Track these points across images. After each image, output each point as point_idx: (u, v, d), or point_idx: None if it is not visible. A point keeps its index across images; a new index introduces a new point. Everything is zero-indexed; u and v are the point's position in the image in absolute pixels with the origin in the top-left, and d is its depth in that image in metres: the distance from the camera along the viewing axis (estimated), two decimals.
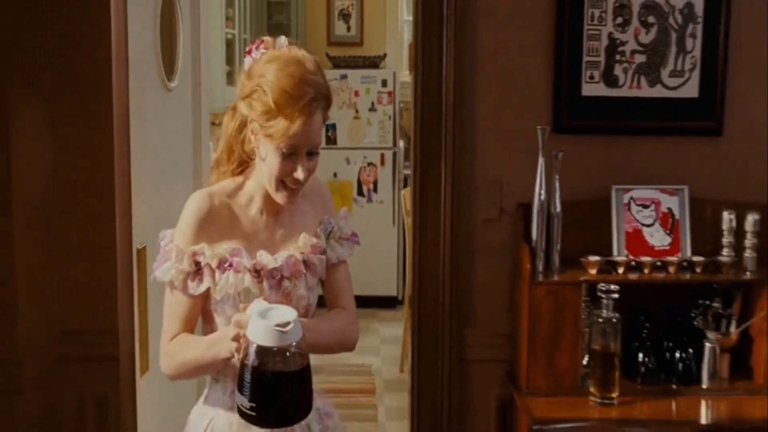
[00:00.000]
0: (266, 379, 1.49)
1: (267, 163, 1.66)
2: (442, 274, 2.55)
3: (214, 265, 1.67)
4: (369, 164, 6.02)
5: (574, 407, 2.27)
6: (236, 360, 1.56)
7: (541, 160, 2.38)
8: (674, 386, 2.41)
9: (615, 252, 2.45)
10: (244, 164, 1.76)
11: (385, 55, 6.33)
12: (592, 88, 2.53)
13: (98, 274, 2.14)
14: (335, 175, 6.05)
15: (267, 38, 1.72)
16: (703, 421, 2.31)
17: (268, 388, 1.49)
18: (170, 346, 1.72)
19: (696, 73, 2.54)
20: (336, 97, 6.10)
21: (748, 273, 2.41)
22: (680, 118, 2.55)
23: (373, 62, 6.29)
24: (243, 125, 1.71)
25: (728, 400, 2.37)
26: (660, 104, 2.54)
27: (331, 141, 6.08)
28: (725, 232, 2.44)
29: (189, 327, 1.73)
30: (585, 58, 2.52)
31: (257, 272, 1.69)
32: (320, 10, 6.72)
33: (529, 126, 2.46)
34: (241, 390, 1.50)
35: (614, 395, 2.29)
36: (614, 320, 2.28)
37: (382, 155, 5.99)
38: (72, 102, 2.00)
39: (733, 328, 2.43)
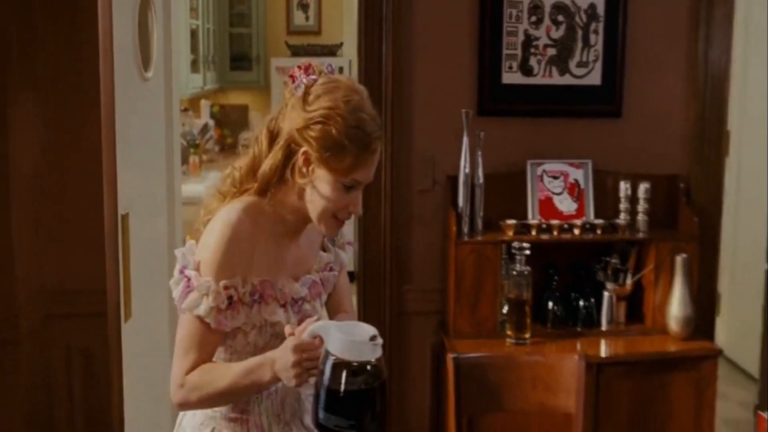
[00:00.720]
0: (361, 395, 1.44)
1: (321, 195, 1.58)
2: (383, 238, 2.95)
3: (245, 299, 1.59)
4: None
5: (492, 347, 2.69)
6: (296, 385, 1.52)
7: (465, 139, 2.80)
8: (578, 329, 2.85)
9: (529, 216, 2.87)
10: (254, 184, 1.65)
11: (341, 43, 6.68)
12: (511, 77, 2.95)
13: (87, 238, 2.42)
14: None
15: (314, 64, 1.63)
16: (603, 355, 2.74)
17: (364, 404, 1.45)
18: (191, 377, 1.59)
19: (599, 64, 2.97)
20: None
21: (640, 233, 2.85)
22: (585, 102, 2.98)
23: (331, 50, 6.65)
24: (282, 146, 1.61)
25: (623, 339, 2.82)
26: (568, 90, 2.97)
27: None
28: (622, 199, 2.88)
29: (210, 357, 1.61)
30: (504, 51, 2.93)
31: (284, 303, 1.65)
32: (280, 1, 7.05)
33: (457, 109, 2.86)
34: (331, 411, 1.43)
35: (527, 336, 2.72)
36: (526, 273, 2.71)
37: None
38: (64, 89, 2.31)
39: (628, 280, 2.87)
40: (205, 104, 6.48)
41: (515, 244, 2.71)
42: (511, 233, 2.78)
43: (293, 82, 1.59)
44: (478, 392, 2.29)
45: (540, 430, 2.32)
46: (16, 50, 2.32)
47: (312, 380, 1.48)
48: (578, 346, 2.76)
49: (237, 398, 1.64)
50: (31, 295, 2.46)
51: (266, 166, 1.60)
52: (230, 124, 6.93)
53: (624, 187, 2.88)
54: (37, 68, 2.31)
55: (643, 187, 2.86)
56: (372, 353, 1.43)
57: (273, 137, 1.62)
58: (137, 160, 2.65)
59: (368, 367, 1.43)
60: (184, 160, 5.16)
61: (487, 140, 2.85)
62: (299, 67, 1.60)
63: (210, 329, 1.57)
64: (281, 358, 1.51)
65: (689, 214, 2.87)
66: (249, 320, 1.60)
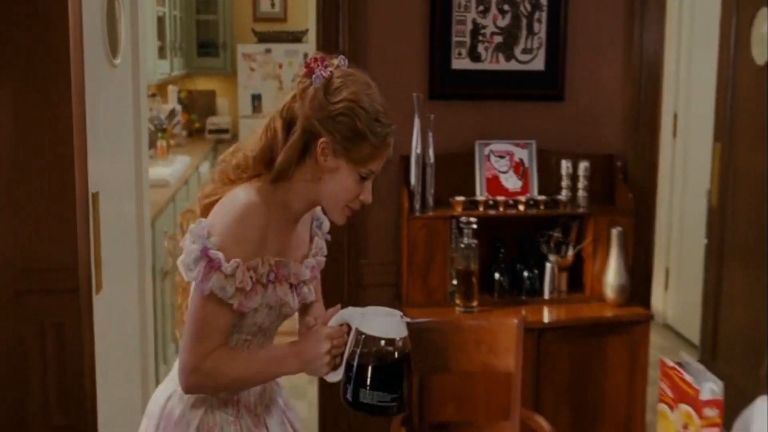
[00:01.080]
0: (398, 368, 1.56)
1: (339, 184, 1.63)
2: None
3: (263, 280, 1.63)
4: None
5: (442, 315, 2.88)
6: (326, 373, 1.61)
7: (416, 121, 2.98)
8: (523, 298, 3.06)
9: (477, 194, 3.07)
10: (264, 170, 1.66)
11: (306, 30, 6.81)
12: (460, 63, 3.13)
13: (59, 216, 2.53)
14: None
15: (327, 56, 1.67)
16: (546, 320, 2.96)
17: (403, 376, 1.57)
18: (208, 363, 1.60)
19: (542, 51, 3.17)
20: (261, 70, 6.64)
21: (580, 208, 3.07)
22: (530, 87, 3.18)
23: (296, 37, 6.80)
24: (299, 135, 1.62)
25: (564, 307, 3.04)
26: (514, 76, 3.16)
27: (257, 110, 6.59)
28: (563, 177, 3.09)
29: (225, 339, 1.64)
30: (454, 39, 3.12)
31: (291, 284, 1.70)
32: None
33: (410, 93, 3.03)
34: (377, 388, 1.53)
35: (474, 305, 2.92)
36: (473, 246, 2.91)
37: None
38: (37, 74, 2.43)
39: (569, 252, 3.09)
40: (172, 90, 6.60)
41: (463, 219, 2.91)
42: (459, 209, 2.98)
43: (311, 74, 1.61)
44: (427, 354, 2.49)
45: (484, 388, 2.52)
46: None
47: (337, 372, 1.58)
48: (522, 312, 2.96)
49: (254, 386, 1.71)
50: (4, 272, 2.56)
51: (284, 155, 1.61)
52: (198, 110, 7.06)
53: (565, 165, 3.08)
54: (10, 54, 2.44)
55: (582, 166, 3.06)
56: (403, 329, 1.56)
57: (289, 125, 1.63)
58: (106, 143, 2.80)
59: (398, 342, 1.55)
60: (152, 145, 5.28)
61: (437, 122, 3.04)
62: (315, 59, 1.63)
63: (231, 311, 1.59)
64: (312, 348, 1.59)
65: (625, 190, 3.09)
66: (264, 300, 1.64)
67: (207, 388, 1.65)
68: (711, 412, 1.57)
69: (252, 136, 1.70)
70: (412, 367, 1.59)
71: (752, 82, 3.82)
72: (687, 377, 1.63)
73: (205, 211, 1.68)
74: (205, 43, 7.05)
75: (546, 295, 3.07)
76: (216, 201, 1.66)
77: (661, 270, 5.42)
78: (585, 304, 3.03)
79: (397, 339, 1.55)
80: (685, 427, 1.62)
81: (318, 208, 1.80)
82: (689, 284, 4.90)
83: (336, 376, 1.61)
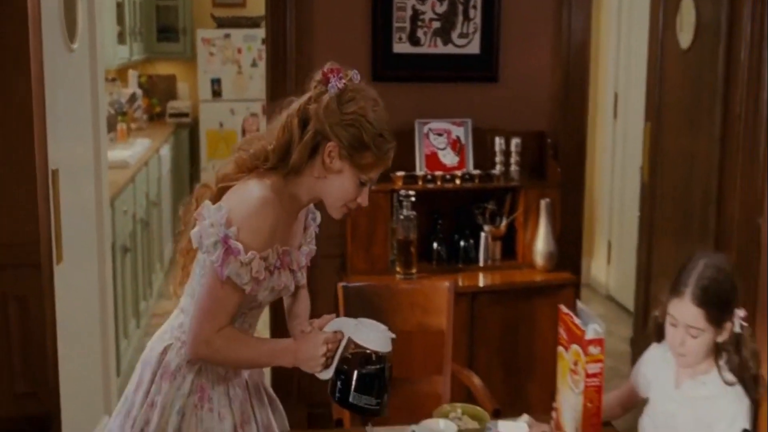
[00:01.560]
0: (383, 378, 1.78)
1: (341, 185, 1.79)
2: None
3: (271, 267, 1.79)
4: (252, 114, 6.73)
5: (383, 282, 3.10)
6: (318, 373, 1.79)
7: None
8: (460, 265, 3.30)
9: (417, 169, 3.30)
10: (279, 163, 1.81)
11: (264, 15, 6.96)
12: (401, 47, 3.35)
13: (20, 193, 2.67)
14: (221, 125, 6.74)
15: (342, 69, 1.85)
16: (480, 284, 3.19)
17: (387, 385, 1.78)
18: (219, 339, 1.77)
19: (477, 36, 3.39)
20: (220, 55, 6.79)
21: (512, 182, 3.30)
22: (466, 69, 3.40)
23: (255, 22, 6.93)
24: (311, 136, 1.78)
25: (497, 273, 3.28)
26: (451, 59, 3.39)
27: (217, 94, 6.75)
28: (497, 153, 3.32)
29: (233, 318, 1.81)
30: (395, 25, 3.33)
31: (292, 270, 1.88)
32: None
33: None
34: (363, 392, 1.74)
35: (413, 272, 3.15)
36: (412, 217, 3.13)
37: (263, 106, 6.69)
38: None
39: (503, 223, 3.33)
40: (132, 74, 6.71)
41: (402, 192, 3.13)
42: (400, 183, 3.20)
43: (327, 82, 1.80)
44: (365, 315, 2.70)
45: (420, 345, 2.75)
46: None
47: (329, 371, 1.77)
48: (459, 279, 3.21)
49: (250, 368, 1.92)
50: None
51: (297, 153, 1.77)
52: (158, 94, 7.18)
53: (499, 142, 3.32)
54: None
55: (514, 142, 3.30)
56: (389, 343, 1.77)
57: (304, 125, 1.78)
58: (65, 124, 2.96)
59: (385, 354, 1.76)
60: (112, 128, 5.43)
61: None
62: (332, 70, 1.82)
63: (242, 295, 1.77)
64: (308, 349, 1.77)
65: (554, 165, 3.33)
66: (269, 285, 1.80)
67: (213, 360, 1.83)
68: (594, 350, 1.81)
69: (271, 129, 1.85)
70: (392, 376, 1.81)
71: (678, 65, 4.07)
72: (576, 321, 1.87)
73: (221, 193, 1.83)
74: (165, 28, 7.16)
75: (481, 263, 3.31)
76: (231, 186, 1.82)
77: (604, 243, 5.71)
78: (517, 270, 3.27)
79: (384, 352, 1.77)
80: (575, 363, 1.86)
81: None
82: (629, 257, 5.17)
83: (326, 375, 1.81)
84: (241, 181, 1.82)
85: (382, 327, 1.79)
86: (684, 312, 1.91)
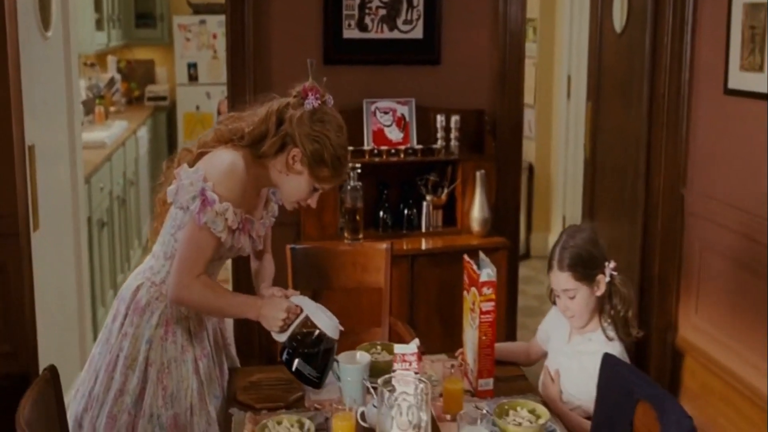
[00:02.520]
0: (329, 358, 2.10)
1: (297, 185, 2.12)
2: None
3: (234, 226, 2.07)
4: (226, 97, 6.98)
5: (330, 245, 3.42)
6: (275, 332, 2.10)
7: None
8: (404, 232, 3.62)
9: (365, 144, 3.61)
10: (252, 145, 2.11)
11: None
12: (350, 33, 3.66)
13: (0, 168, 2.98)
14: (198, 107, 7.02)
15: (320, 90, 2.16)
16: (423, 247, 3.51)
17: (328, 364, 2.10)
18: (197, 285, 2.05)
19: (420, 22, 3.70)
20: (196, 40, 7.06)
21: (452, 155, 3.62)
22: (410, 53, 3.71)
23: None
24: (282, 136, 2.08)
25: (439, 238, 3.60)
26: (397, 43, 3.70)
27: (193, 78, 7.03)
28: (438, 129, 3.64)
29: (207, 267, 2.10)
30: (344, 12, 3.64)
31: (251, 236, 2.19)
32: None
33: (307, 59, 3.54)
34: (308, 363, 2.07)
35: (360, 237, 3.47)
36: (358, 188, 3.44)
37: None
38: None
39: (444, 193, 3.65)
40: (111, 59, 6.99)
41: (349, 165, 3.43)
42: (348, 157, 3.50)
43: (305, 98, 2.11)
44: (316, 274, 3.02)
45: (361, 300, 3.07)
46: None
47: (284, 334, 2.07)
48: (404, 243, 3.52)
49: (217, 315, 2.25)
50: None
51: (268, 146, 2.09)
52: (137, 78, 7.46)
53: (440, 119, 3.63)
54: None
55: (454, 119, 3.61)
56: (337, 333, 2.09)
57: (279, 123, 2.10)
58: (40, 104, 3.25)
59: (332, 339, 2.10)
60: (90, 111, 5.72)
61: (331, 84, 3.51)
62: (312, 89, 2.14)
63: (218, 243, 2.06)
64: (271, 310, 2.07)
65: (490, 140, 3.65)
66: (230, 242, 2.09)
67: (191, 303, 2.12)
68: (487, 291, 2.14)
69: (252, 114, 2.16)
70: (332, 361, 2.11)
71: (613, 48, 4.39)
72: (474, 267, 2.19)
73: (199, 157, 2.13)
74: (142, 15, 7.41)
75: (423, 229, 3.63)
76: (208, 152, 2.12)
77: (559, 218, 6.04)
78: (456, 236, 3.59)
79: (334, 336, 2.08)
80: (473, 303, 2.19)
81: None
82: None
83: (281, 338, 2.11)
84: (217, 150, 2.13)
85: (335, 319, 2.10)
86: (556, 280, 2.23)
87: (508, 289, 3.58)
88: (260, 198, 2.25)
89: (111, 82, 6.58)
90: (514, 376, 2.33)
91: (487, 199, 3.55)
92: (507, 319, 3.57)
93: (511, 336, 3.75)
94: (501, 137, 3.73)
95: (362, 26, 3.65)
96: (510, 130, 3.78)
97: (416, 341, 1.92)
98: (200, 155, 2.15)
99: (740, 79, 3.49)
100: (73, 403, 2.21)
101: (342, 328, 2.12)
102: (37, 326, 3.12)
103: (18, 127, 2.97)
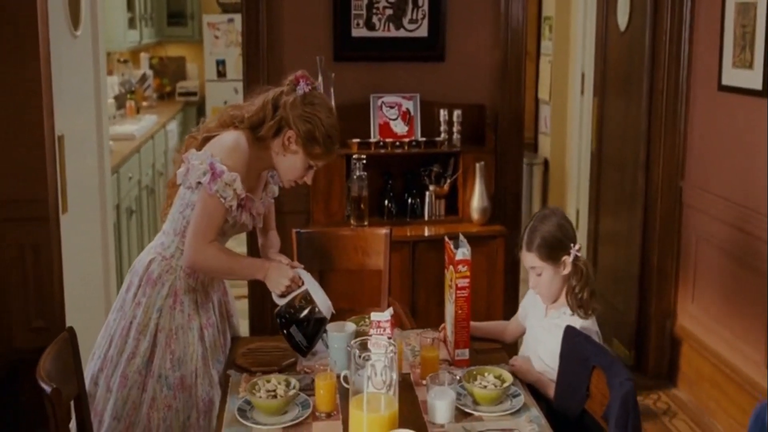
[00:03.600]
0: (318, 331, 2.32)
1: (293, 163, 2.34)
2: None
3: (242, 196, 2.30)
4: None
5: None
6: (275, 296, 2.32)
7: (320, 78, 3.72)
8: (408, 219, 3.83)
9: (372, 137, 3.82)
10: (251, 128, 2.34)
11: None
12: (359, 32, 3.87)
13: (31, 157, 3.19)
14: (225, 102, 7.28)
15: (310, 78, 2.35)
16: (426, 234, 3.71)
17: (317, 336, 2.33)
18: (210, 250, 2.28)
19: (425, 21, 3.90)
20: (225, 38, 7.33)
21: (454, 147, 3.82)
22: (416, 50, 3.92)
23: None
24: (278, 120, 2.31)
25: (441, 226, 3.79)
26: (403, 41, 3.90)
27: (222, 74, 7.30)
28: (441, 123, 3.84)
29: (217, 236, 2.32)
30: (353, 12, 3.85)
31: (253, 214, 2.43)
32: None
33: (318, 56, 3.77)
34: (302, 332, 2.28)
35: (365, 224, 3.68)
36: (363, 177, 3.65)
37: None
38: (11, 45, 3.15)
39: (446, 183, 3.85)
40: (144, 56, 7.30)
41: (354, 156, 3.66)
42: (355, 148, 3.73)
43: (297, 83, 2.32)
44: (314, 256, 3.24)
45: (361, 282, 3.28)
46: None
47: (283, 299, 2.29)
48: (407, 231, 3.73)
49: (229, 277, 2.50)
50: None
51: (265, 129, 2.31)
52: (169, 74, 7.76)
53: (443, 113, 3.83)
54: None
55: (456, 113, 3.81)
56: (330, 314, 2.32)
57: (275, 108, 2.31)
58: (70, 98, 3.52)
59: (325, 315, 2.31)
60: (122, 105, 6.02)
61: (340, 79, 3.77)
62: (303, 77, 2.34)
63: (227, 212, 2.29)
64: (277, 274, 2.30)
65: (490, 133, 3.84)
66: (233, 217, 2.33)
67: (204, 266, 2.33)
68: (462, 268, 2.34)
69: (250, 104, 2.38)
70: (320, 337, 2.34)
71: (617, 45, 4.55)
72: (451, 247, 2.39)
73: (204, 142, 2.35)
74: (174, 14, 7.72)
75: (426, 217, 3.83)
76: (213, 137, 2.34)
77: (573, 211, 6.19)
78: (456, 224, 3.79)
79: (326, 315, 2.31)
80: (451, 279, 2.39)
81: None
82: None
83: (280, 301, 2.33)
84: (222, 133, 2.36)
85: (330, 301, 2.33)
86: (525, 260, 2.43)
87: (506, 275, 3.76)
88: (260, 180, 2.47)
89: (143, 77, 6.88)
90: (491, 349, 2.53)
91: (486, 189, 3.74)
92: (506, 304, 3.75)
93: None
94: (502, 131, 3.91)
95: (370, 25, 3.86)
96: (510, 124, 3.96)
97: (390, 310, 2.13)
98: (205, 140, 2.37)
99: (733, 76, 3.64)
100: (90, 363, 2.45)
101: (334, 312, 2.34)
102: (65, 303, 3.37)
103: (48, 118, 3.24)
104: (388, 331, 2.08)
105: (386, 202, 3.83)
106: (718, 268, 3.82)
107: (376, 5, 3.85)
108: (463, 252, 2.34)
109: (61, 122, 3.34)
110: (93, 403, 2.39)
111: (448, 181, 3.84)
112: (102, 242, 4.03)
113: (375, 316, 2.10)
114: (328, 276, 3.32)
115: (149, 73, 7.11)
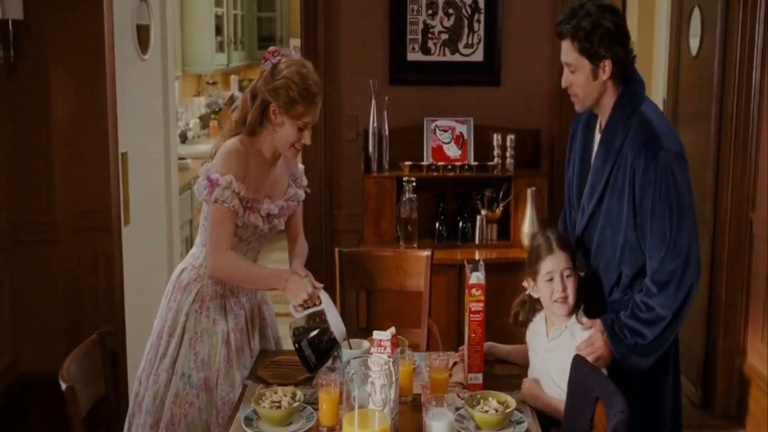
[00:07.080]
0: (329, 352, 2.38)
1: (284, 133, 2.40)
2: (321, 175, 3.99)
3: (243, 203, 2.41)
4: None
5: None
6: (293, 307, 2.40)
7: (373, 102, 3.80)
8: (458, 243, 3.83)
9: (425, 160, 3.86)
10: (244, 129, 2.46)
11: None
12: (414, 56, 3.93)
13: (99, 171, 3.41)
14: None
15: (279, 48, 2.46)
16: (476, 257, 3.70)
17: (325, 359, 2.39)
18: (230, 258, 2.39)
19: (481, 46, 3.92)
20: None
21: (507, 172, 3.80)
22: (471, 74, 3.94)
23: None
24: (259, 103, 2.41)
25: (492, 250, 3.78)
26: (458, 66, 3.93)
27: None
28: (495, 147, 3.83)
29: (232, 241, 2.43)
30: (408, 36, 3.92)
31: (263, 216, 2.49)
32: None
33: (374, 80, 3.85)
34: (312, 348, 2.33)
35: (414, 246, 3.71)
36: (413, 199, 3.69)
37: None
38: (83, 66, 3.36)
39: (498, 208, 3.83)
40: (234, 78, 7.59)
41: (405, 178, 3.70)
42: (407, 171, 3.77)
43: (265, 61, 2.42)
44: (356, 275, 3.29)
45: (402, 302, 3.30)
46: (52, 41, 3.36)
47: (299, 313, 2.39)
48: (458, 254, 3.73)
49: (248, 285, 2.53)
50: (66, 213, 3.46)
51: (251, 117, 2.43)
52: None
53: (496, 137, 3.82)
54: (66, 53, 3.36)
55: (509, 138, 3.80)
56: (342, 337, 2.37)
57: (254, 97, 2.44)
58: (135, 117, 3.71)
59: (339, 340, 2.37)
60: (206, 125, 6.28)
61: (395, 102, 3.84)
62: (271, 52, 2.43)
63: (234, 214, 2.39)
64: (297, 288, 2.37)
65: (545, 158, 3.81)
66: (241, 219, 2.42)
67: (224, 273, 2.44)
68: (476, 292, 2.34)
69: (238, 109, 2.53)
70: (328, 360, 2.41)
71: (689, 70, 4.42)
72: (468, 272, 2.39)
73: (215, 154, 2.52)
74: (265, 37, 8.00)
75: (477, 241, 3.83)
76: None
77: None
78: (507, 249, 3.77)
79: (340, 339, 2.37)
80: (468, 303, 2.39)
81: (296, 168, 2.67)
82: None
83: (296, 314, 2.41)
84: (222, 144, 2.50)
85: (344, 326, 2.38)
86: (557, 260, 2.36)
87: None
88: (273, 177, 2.53)
89: (231, 99, 7.15)
90: (510, 375, 2.50)
91: (537, 215, 3.71)
92: None
93: None
94: (558, 156, 3.87)
95: (425, 49, 3.92)
96: (562, 149, 3.90)
97: (392, 329, 2.15)
98: (214, 155, 2.52)
99: None
100: (140, 365, 2.65)
101: (346, 338, 2.38)
102: (125, 309, 3.55)
103: (113, 136, 3.44)
104: (389, 350, 2.10)
105: (437, 225, 3.84)
106: None
107: (431, 30, 3.90)
108: (477, 276, 2.34)
109: (125, 140, 3.53)
110: (138, 399, 2.59)
111: (501, 205, 3.82)
112: (167, 254, 4.21)
113: (377, 334, 2.13)
114: (371, 295, 3.36)
115: (237, 94, 7.38)
